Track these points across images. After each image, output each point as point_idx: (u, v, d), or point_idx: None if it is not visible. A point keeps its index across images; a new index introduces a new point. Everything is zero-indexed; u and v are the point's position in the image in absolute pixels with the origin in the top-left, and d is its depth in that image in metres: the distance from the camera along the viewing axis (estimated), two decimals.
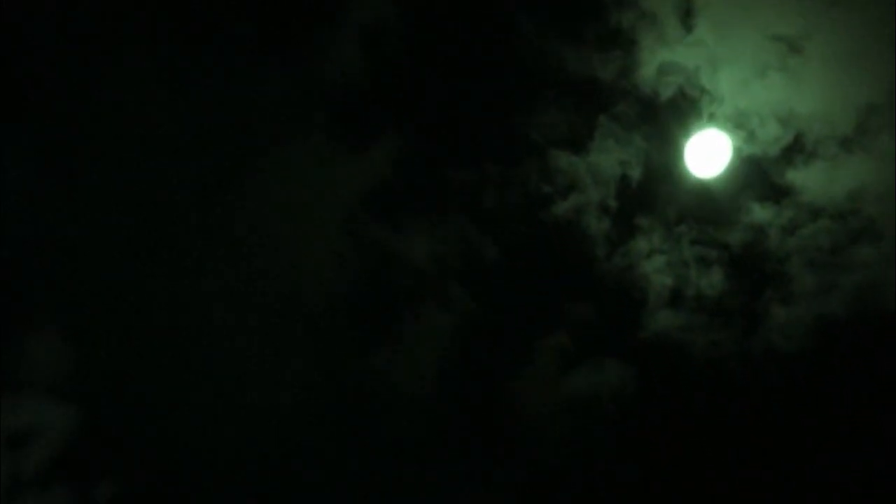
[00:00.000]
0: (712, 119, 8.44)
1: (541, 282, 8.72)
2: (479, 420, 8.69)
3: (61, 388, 8.17)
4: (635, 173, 8.58)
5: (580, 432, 8.59)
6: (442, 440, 8.65)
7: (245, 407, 8.73)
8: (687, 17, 8.43)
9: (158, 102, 8.56)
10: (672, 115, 8.48)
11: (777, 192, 8.41)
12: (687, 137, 8.49)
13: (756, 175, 8.43)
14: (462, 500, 8.60)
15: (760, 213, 8.39)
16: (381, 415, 8.68)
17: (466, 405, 8.68)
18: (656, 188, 8.55)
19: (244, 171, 8.54)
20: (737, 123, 8.40)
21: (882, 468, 8.21)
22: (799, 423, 8.42)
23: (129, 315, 8.53)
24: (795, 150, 8.39)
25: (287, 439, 8.72)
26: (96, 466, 8.12)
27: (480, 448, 8.66)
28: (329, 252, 8.60)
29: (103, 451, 8.18)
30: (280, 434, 8.73)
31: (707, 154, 8.46)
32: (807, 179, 8.40)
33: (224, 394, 8.74)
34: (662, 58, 8.41)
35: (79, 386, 8.24)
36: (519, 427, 8.66)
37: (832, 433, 8.36)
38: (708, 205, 8.43)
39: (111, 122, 8.60)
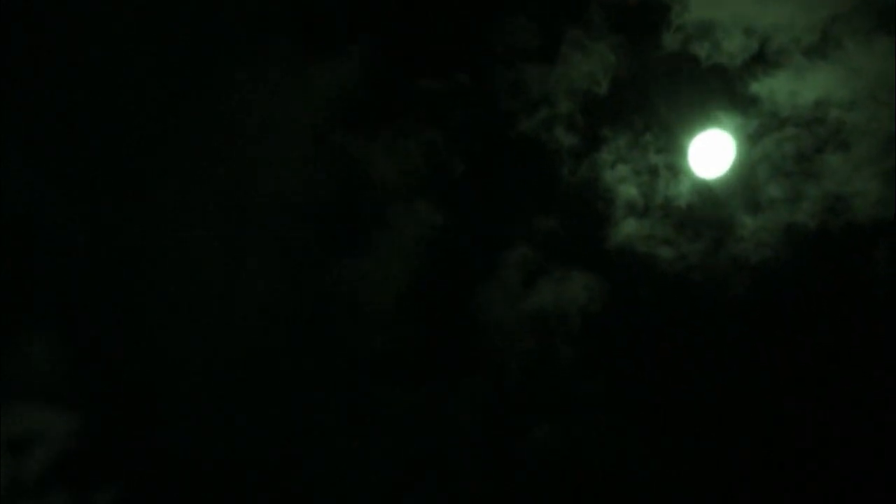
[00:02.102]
0: (679, 30, 8.46)
1: (507, 195, 8.67)
2: (443, 333, 8.60)
3: (61, 394, 8.11)
4: (602, 84, 8.57)
5: (545, 345, 8.51)
6: (406, 352, 8.57)
7: (211, 325, 8.65)
8: None
9: (121, 18, 8.54)
10: (638, 24, 8.49)
11: (742, 102, 8.40)
12: (654, 48, 8.51)
13: (721, 86, 8.42)
14: (424, 412, 8.49)
15: (726, 121, 8.37)
16: (346, 327, 8.59)
17: (431, 318, 8.60)
18: (623, 98, 8.54)
19: (210, 81, 8.52)
20: (701, 34, 8.41)
21: (851, 375, 8.13)
22: (766, 334, 8.35)
23: (128, 318, 8.49)
24: (760, 59, 8.39)
25: (253, 354, 8.63)
26: (96, 472, 8.06)
27: (444, 361, 8.57)
28: (294, 162, 8.56)
29: (103, 456, 8.12)
30: (246, 352, 8.65)
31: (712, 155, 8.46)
32: (772, 89, 8.37)
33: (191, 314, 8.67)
34: None
35: (79, 391, 8.18)
36: (483, 340, 8.57)
37: (800, 343, 8.28)
38: (673, 114, 8.42)
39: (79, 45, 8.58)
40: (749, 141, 8.40)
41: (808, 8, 8.31)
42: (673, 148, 8.45)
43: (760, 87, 8.39)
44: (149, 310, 8.58)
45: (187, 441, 8.24)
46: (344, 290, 8.59)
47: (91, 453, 8.05)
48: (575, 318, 8.49)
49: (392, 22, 8.61)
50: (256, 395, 8.60)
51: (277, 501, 8.35)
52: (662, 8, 8.44)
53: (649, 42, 8.48)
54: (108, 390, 8.25)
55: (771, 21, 8.36)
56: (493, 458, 8.43)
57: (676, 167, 8.45)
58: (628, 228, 8.44)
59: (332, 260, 8.60)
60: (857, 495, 7.87)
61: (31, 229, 8.32)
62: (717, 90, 8.44)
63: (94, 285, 8.45)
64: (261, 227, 8.57)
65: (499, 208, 8.64)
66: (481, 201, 8.66)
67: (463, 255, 8.64)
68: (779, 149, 8.35)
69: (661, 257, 8.44)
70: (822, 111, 8.31)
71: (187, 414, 8.30)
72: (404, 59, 8.61)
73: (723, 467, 8.27)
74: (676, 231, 8.42)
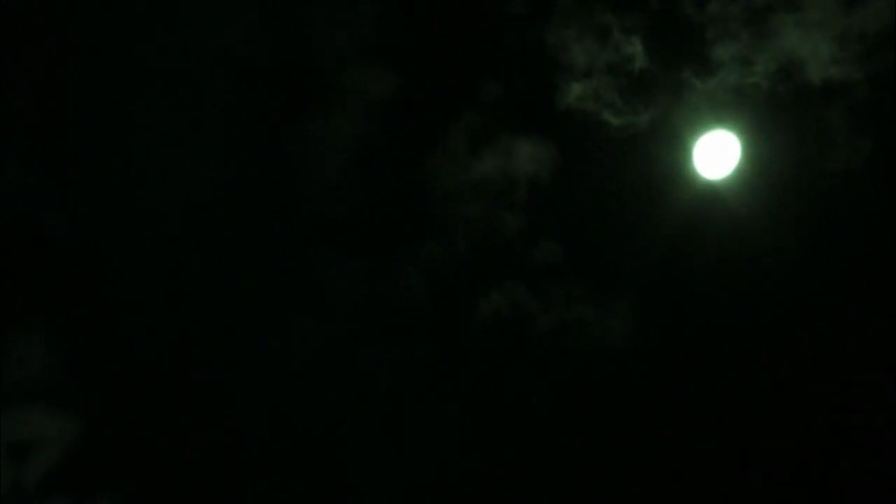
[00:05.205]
0: None
1: (453, 61, 8.57)
2: (391, 200, 8.54)
3: (62, 397, 8.09)
4: None
5: (493, 212, 8.43)
6: (353, 220, 8.50)
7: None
8: None
9: None
10: None
11: None
12: None
13: None
14: (372, 279, 8.43)
15: None
16: (293, 194, 8.53)
17: (379, 185, 8.53)
18: None
19: None
20: None
21: (805, 236, 8.03)
22: (716, 196, 8.23)
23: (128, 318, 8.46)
24: None
25: (205, 233, 8.58)
26: (97, 477, 8.03)
27: (392, 229, 8.51)
28: (241, 28, 8.48)
29: (104, 460, 8.10)
30: (198, 227, 8.60)
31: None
32: None
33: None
34: None
35: (79, 395, 8.16)
36: (433, 208, 8.49)
37: (751, 206, 8.17)
38: None
39: None
40: (697, 6, 8.28)
41: None
42: (621, 8, 8.33)
43: None
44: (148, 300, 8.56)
45: (188, 442, 8.23)
46: (291, 157, 8.52)
47: (92, 457, 8.04)
48: (523, 184, 8.41)
49: None
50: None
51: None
52: None
53: None
54: (109, 392, 8.25)
55: None
56: (442, 324, 8.37)
57: (627, 28, 8.33)
58: (576, 92, 8.33)
59: (279, 126, 8.53)
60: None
61: (31, 229, 8.31)
62: None
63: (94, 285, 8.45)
64: (206, 93, 8.50)
65: (446, 75, 8.54)
66: (428, 68, 8.56)
67: (411, 121, 8.55)
68: (727, 10, 8.22)
69: (609, 123, 8.34)
70: None
71: (186, 413, 8.31)
72: None
73: (673, 332, 8.20)
74: (623, 96, 8.32)
